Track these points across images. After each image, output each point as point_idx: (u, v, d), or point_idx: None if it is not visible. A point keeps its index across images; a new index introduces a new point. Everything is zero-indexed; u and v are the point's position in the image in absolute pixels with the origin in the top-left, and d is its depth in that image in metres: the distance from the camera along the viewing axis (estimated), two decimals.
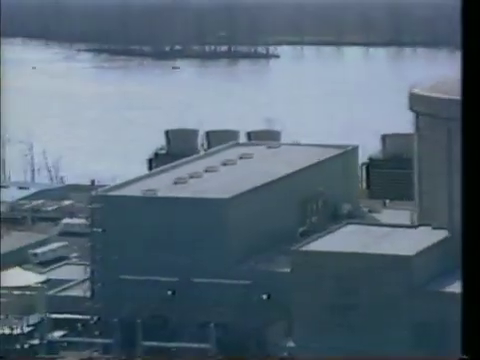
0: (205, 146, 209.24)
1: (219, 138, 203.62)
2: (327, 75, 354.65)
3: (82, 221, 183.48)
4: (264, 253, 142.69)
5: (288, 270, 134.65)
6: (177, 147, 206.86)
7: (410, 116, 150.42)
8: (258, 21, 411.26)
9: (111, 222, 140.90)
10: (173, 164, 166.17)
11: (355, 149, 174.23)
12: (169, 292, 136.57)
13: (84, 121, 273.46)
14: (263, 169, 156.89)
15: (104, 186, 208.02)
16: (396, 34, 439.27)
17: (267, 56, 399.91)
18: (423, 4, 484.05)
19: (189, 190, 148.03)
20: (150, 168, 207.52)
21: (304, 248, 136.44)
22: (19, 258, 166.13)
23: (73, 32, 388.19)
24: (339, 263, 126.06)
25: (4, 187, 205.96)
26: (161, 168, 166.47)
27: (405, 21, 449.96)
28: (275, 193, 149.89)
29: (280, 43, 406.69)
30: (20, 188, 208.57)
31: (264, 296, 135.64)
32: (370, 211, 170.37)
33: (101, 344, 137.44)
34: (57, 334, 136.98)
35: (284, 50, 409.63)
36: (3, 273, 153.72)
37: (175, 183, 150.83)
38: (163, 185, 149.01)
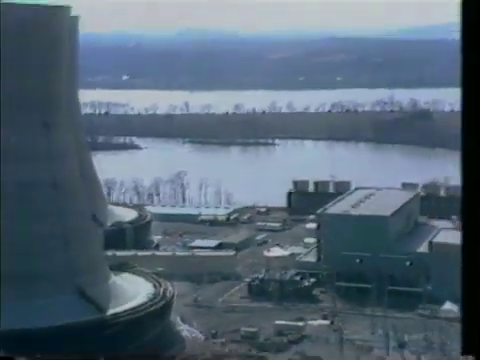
0: (317, 189, 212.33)
1: (324, 186, 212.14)
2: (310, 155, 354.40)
3: (265, 224, 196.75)
4: (406, 243, 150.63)
5: (427, 251, 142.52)
6: (301, 189, 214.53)
7: None
8: (262, 125, 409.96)
9: (328, 225, 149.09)
10: (337, 199, 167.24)
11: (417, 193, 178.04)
12: (357, 260, 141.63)
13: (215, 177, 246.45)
14: (388, 201, 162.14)
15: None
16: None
17: (273, 144, 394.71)
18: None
19: (364, 210, 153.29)
20: (289, 199, 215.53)
21: (438, 240, 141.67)
22: (250, 243, 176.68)
23: (179, 133, 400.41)
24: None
25: (217, 207, 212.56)
26: (338, 199, 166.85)
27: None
28: (400, 213, 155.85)
29: (274, 137, 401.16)
30: (225, 208, 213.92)
31: (408, 263, 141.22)
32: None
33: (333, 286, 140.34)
34: (312, 279, 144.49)
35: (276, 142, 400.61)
36: (268, 251, 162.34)
37: (353, 207, 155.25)
38: (346, 208, 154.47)
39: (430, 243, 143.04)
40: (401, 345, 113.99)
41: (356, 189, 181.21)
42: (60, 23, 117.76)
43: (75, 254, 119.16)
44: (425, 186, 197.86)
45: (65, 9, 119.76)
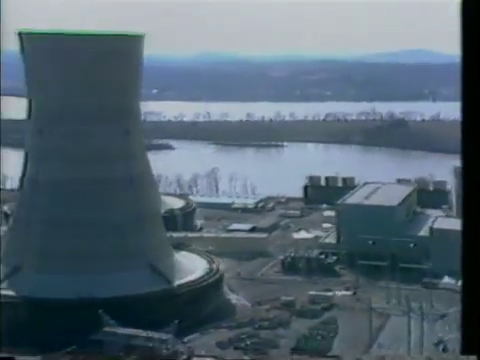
0: (327, 183, 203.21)
1: (333, 180, 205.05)
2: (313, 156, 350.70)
3: (287, 211, 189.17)
4: (409, 228, 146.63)
5: (427, 235, 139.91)
6: (315, 183, 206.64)
7: None
8: (271, 130, 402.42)
9: (346, 213, 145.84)
10: (351, 192, 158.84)
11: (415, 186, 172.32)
12: (370, 242, 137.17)
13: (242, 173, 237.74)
14: (392, 193, 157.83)
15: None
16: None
17: (282, 146, 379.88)
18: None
19: (375, 201, 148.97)
20: (306, 191, 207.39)
21: (437, 226, 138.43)
22: (277, 227, 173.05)
23: (204, 136, 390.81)
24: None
25: (246, 197, 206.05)
26: (352, 192, 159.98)
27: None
28: (403, 203, 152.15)
29: (282, 141, 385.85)
30: (252, 198, 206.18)
31: (412, 245, 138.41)
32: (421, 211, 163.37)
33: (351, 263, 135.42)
34: (334, 257, 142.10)
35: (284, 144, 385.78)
36: (296, 234, 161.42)
37: (365, 198, 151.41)
38: (360, 199, 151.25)
39: (430, 228, 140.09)
40: (442, 316, 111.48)
41: (365, 184, 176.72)
42: (139, 49, 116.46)
43: (146, 235, 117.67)
44: (416, 181, 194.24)
45: (142, 37, 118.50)
